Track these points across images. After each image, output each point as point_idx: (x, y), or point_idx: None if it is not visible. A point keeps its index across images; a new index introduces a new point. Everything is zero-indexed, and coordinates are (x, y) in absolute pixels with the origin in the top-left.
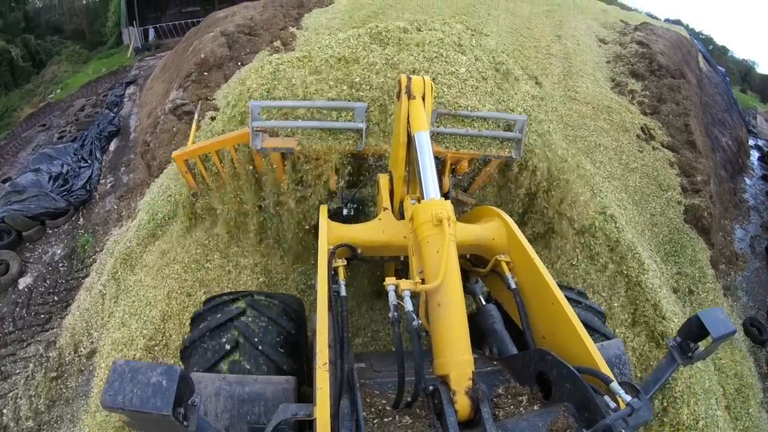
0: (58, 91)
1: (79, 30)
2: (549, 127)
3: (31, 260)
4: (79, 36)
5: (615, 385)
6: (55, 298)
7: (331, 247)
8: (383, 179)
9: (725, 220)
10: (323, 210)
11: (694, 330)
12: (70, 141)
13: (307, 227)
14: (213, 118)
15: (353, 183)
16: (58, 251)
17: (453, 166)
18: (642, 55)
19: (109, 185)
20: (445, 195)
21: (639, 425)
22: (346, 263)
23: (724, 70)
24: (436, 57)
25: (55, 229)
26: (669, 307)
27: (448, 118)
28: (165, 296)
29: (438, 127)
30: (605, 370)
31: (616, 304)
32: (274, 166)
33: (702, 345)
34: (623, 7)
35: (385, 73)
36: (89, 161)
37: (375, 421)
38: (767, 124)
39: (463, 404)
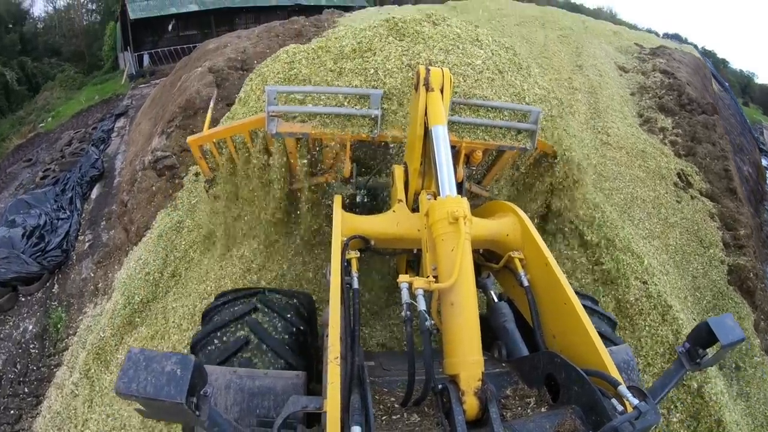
0: (50, 119)
1: (78, 51)
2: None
3: (1, 336)
4: (79, 58)
5: (623, 388)
6: (26, 390)
7: (345, 238)
8: (398, 170)
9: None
10: (337, 200)
11: (703, 336)
12: (51, 183)
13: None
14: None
15: (367, 170)
16: (30, 327)
17: (467, 156)
18: (669, 86)
19: (87, 244)
20: (459, 185)
21: (646, 429)
22: (359, 255)
23: (727, 84)
24: (452, 48)
25: (29, 297)
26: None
27: (463, 108)
28: None
29: (452, 115)
30: (614, 372)
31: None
32: (289, 152)
33: (710, 351)
34: (629, 26)
35: (401, 64)
36: (68, 212)
37: (383, 417)
38: None
39: (471, 404)
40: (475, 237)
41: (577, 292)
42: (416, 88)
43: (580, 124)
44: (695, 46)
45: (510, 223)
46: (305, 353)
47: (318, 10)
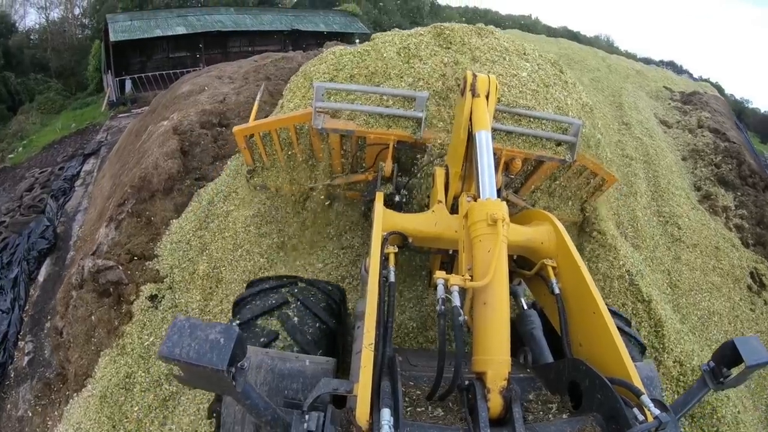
0: (20, 149)
1: (67, 67)
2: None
3: None
4: (67, 74)
5: (645, 398)
6: None
7: (385, 233)
8: (439, 172)
9: None
10: (379, 197)
11: (728, 356)
12: None
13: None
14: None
15: (407, 171)
16: None
17: (506, 164)
18: (725, 152)
19: (27, 358)
20: (497, 192)
21: None
22: (396, 251)
23: (743, 125)
24: (498, 60)
25: None
26: None
27: (505, 116)
28: None
29: (494, 123)
30: (637, 383)
31: None
32: (332, 148)
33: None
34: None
35: (446, 71)
36: (9, 303)
37: (408, 409)
38: None
39: (495, 402)
40: (511, 242)
41: (610, 310)
42: (462, 93)
43: (643, 209)
44: (680, 69)
45: (545, 232)
46: (333, 345)
47: (315, 36)
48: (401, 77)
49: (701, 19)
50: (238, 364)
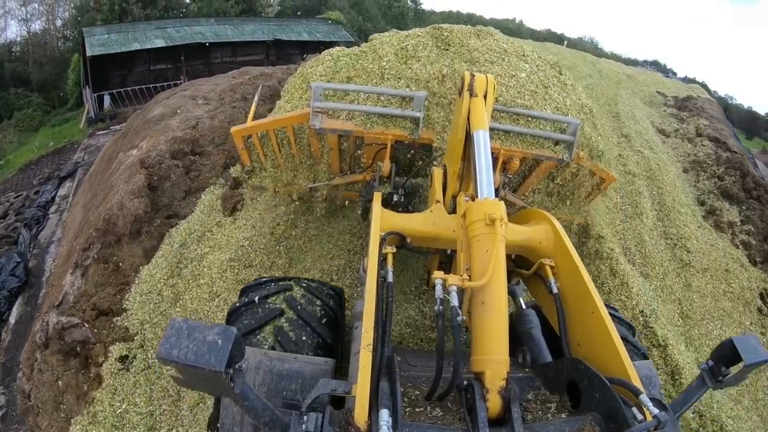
0: None
1: (48, 80)
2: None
3: None
4: (49, 87)
5: (644, 397)
6: None
7: (383, 233)
8: (437, 172)
9: None
10: (377, 197)
11: (727, 354)
12: None
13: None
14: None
15: (405, 170)
16: None
17: (504, 164)
18: (727, 163)
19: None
20: (495, 191)
21: None
22: (394, 251)
23: (734, 131)
24: (497, 60)
25: None
26: None
27: (503, 116)
28: None
29: (492, 122)
30: (636, 382)
31: None
32: (330, 149)
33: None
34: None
35: (444, 71)
36: None
37: (407, 409)
38: None
39: (494, 402)
40: (509, 242)
41: (613, 315)
42: (460, 93)
43: (650, 231)
44: (664, 67)
45: (543, 231)
46: (337, 335)
47: (298, 45)
48: (399, 78)
49: (683, 19)
50: (237, 366)
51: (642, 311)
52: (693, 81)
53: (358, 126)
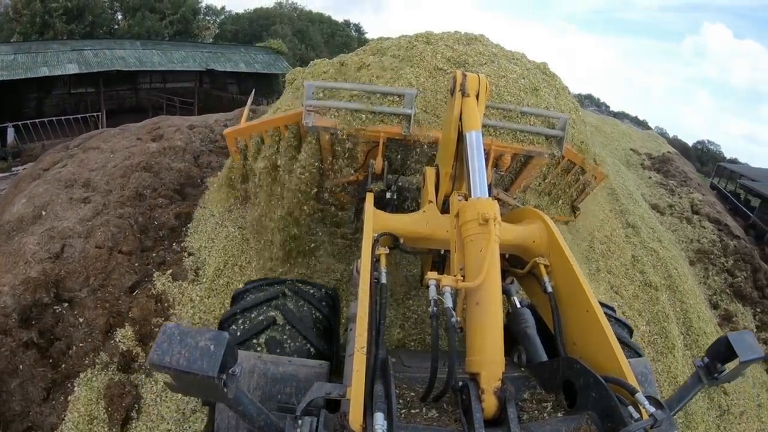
0: None
1: None
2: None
3: None
4: None
5: (640, 395)
6: None
7: (375, 234)
8: (430, 172)
9: None
10: (369, 197)
11: (722, 351)
12: None
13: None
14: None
15: (398, 168)
16: None
17: (495, 160)
18: (735, 253)
19: None
20: (488, 188)
21: None
22: (388, 252)
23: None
24: (486, 62)
25: None
26: None
27: (494, 112)
28: None
29: (483, 119)
30: (632, 380)
31: None
32: (324, 149)
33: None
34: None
35: (434, 72)
36: None
37: (402, 411)
38: None
39: (490, 403)
40: (503, 241)
41: (613, 318)
42: (452, 93)
43: (681, 368)
44: (624, 114)
45: (537, 230)
46: (329, 340)
47: (232, 76)
48: (389, 83)
49: (601, 49)
50: (230, 371)
51: None
52: (625, 115)
53: (350, 123)
